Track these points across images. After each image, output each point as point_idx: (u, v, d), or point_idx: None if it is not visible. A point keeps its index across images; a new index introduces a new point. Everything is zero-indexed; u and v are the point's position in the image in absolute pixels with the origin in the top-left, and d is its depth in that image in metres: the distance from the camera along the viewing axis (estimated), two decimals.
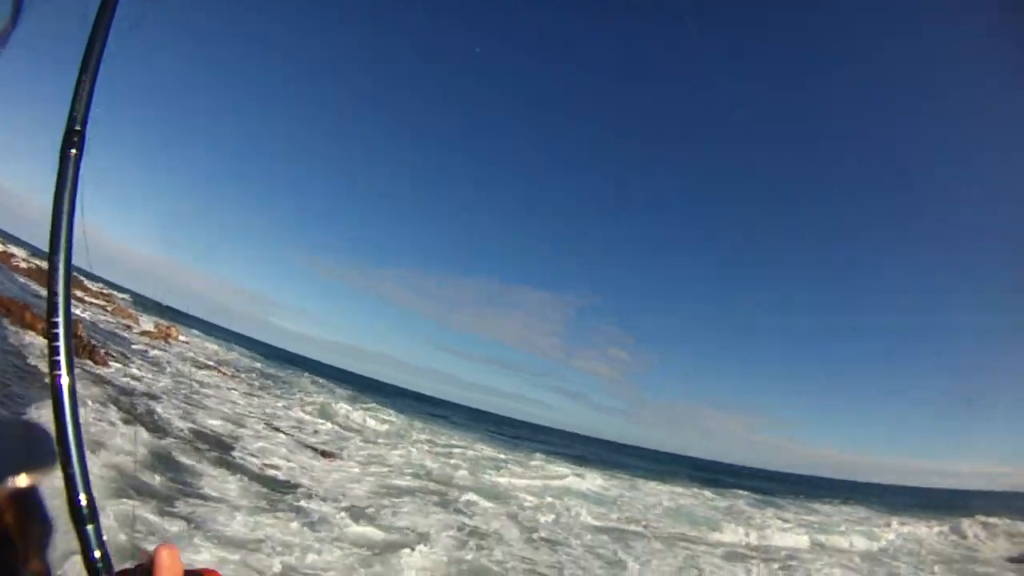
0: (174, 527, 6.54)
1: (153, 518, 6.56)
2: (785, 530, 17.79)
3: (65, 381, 0.69)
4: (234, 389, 19.05)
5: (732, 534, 16.22)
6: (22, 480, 0.42)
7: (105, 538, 0.61)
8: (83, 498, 0.65)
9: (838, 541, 17.62)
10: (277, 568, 6.42)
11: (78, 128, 0.78)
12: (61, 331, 0.69)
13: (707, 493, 24.90)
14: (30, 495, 0.45)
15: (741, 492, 27.95)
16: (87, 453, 0.71)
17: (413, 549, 8.10)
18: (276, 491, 9.48)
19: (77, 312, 21.22)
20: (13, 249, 34.49)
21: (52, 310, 0.70)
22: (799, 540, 16.93)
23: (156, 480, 8.02)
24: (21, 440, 0.46)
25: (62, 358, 0.68)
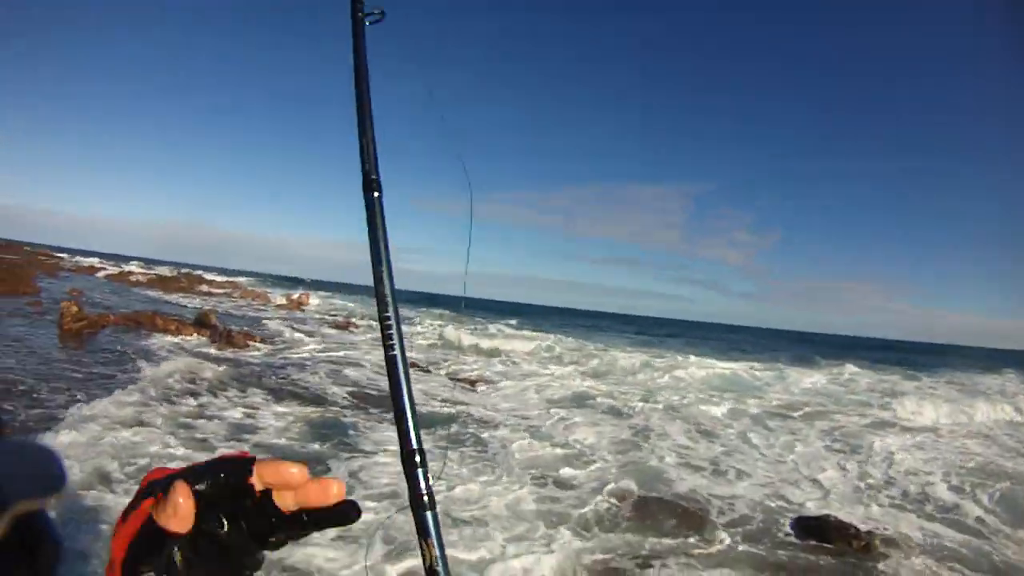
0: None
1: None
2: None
3: (396, 353, 0.89)
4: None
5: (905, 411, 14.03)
6: (29, 505, 0.44)
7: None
8: (414, 444, 0.82)
9: None
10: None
11: (374, 177, 1.05)
12: (393, 319, 0.90)
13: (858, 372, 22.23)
14: (36, 519, 0.47)
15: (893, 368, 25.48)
16: None
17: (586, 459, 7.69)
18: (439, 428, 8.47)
19: (209, 304, 21.93)
20: (130, 267, 36.53)
21: (383, 307, 0.95)
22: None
23: (321, 446, 7.18)
24: (26, 464, 0.46)
25: (395, 340, 0.89)
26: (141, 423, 6.72)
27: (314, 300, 34.30)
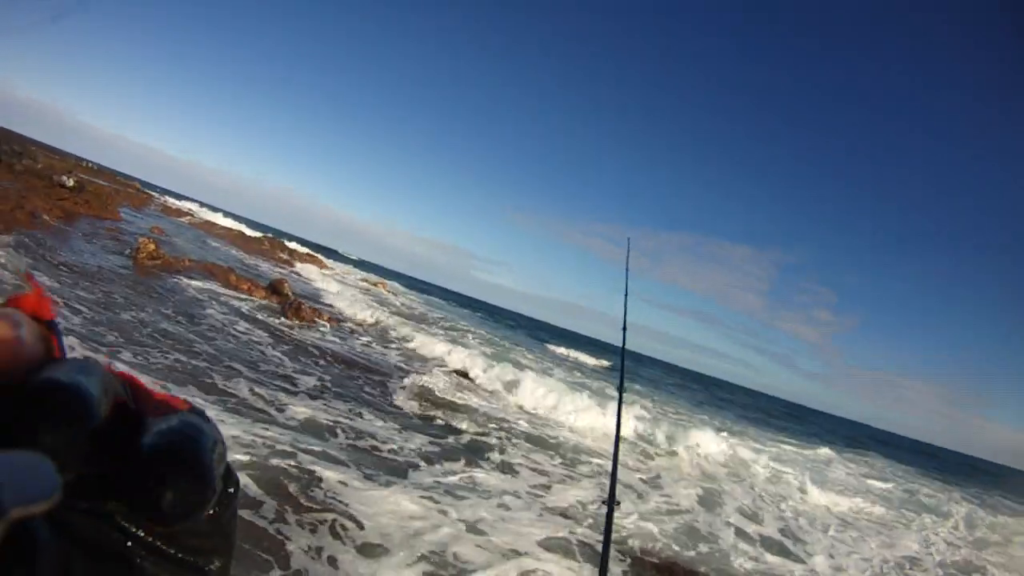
0: None
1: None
2: None
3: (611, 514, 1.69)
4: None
5: None
6: (23, 511, 0.41)
7: None
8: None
9: None
10: None
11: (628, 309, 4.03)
12: (616, 478, 1.92)
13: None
14: (31, 526, 0.44)
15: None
16: None
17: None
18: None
19: (287, 271, 21.20)
20: (217, 218, 36.89)
21: (615, 468, 1.80)
22: None
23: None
24: (19, 472, 0.42)
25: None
26: None
27: (391, 290, 33.39)
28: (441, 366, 11.90)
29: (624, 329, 3.94)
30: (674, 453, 10.72)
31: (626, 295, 4.31)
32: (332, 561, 3.57)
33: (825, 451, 18.86)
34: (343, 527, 3.98)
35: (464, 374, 11.82)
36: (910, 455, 36.29)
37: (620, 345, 3.86)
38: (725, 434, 13.16)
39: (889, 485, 15.26)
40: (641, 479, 8.20)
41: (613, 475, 2.43)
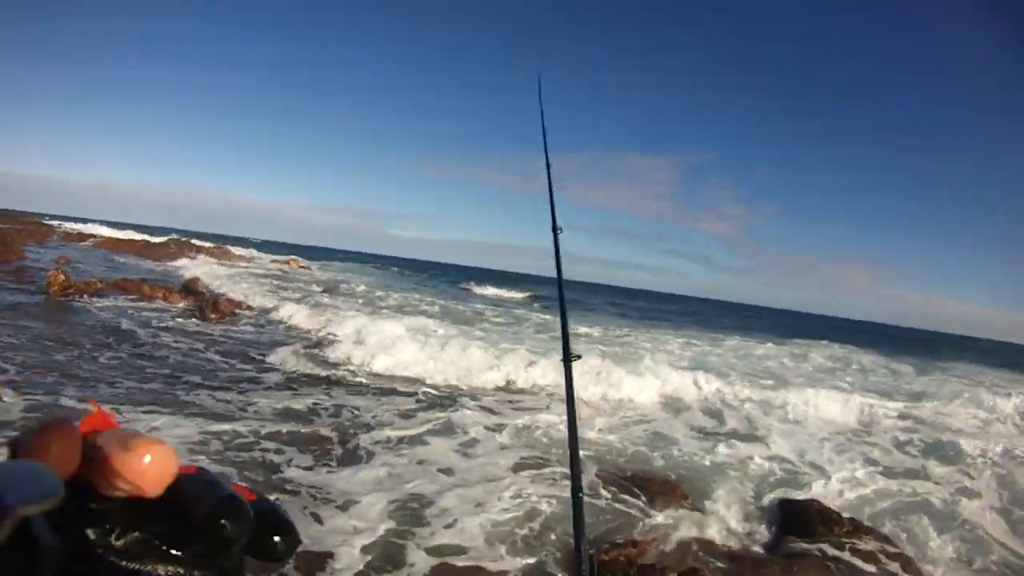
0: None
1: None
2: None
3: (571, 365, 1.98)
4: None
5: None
6: (27, 510, 0.48)
7: None
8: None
9: None
10: None
11: (560, 224, 2.61)
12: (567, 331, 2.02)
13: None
14: (34, 524, 0.51)
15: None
16: None
17: None
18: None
19: (200, 270, 22.01)
20: (119, 233, 36.46)
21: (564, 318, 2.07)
22: None
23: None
24: (22, 476, 0.51)
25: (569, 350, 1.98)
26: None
27: (304, 266, 34.42)
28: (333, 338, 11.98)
29: (557, 256, 2.82)
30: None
31: (551, 200, 3.06)
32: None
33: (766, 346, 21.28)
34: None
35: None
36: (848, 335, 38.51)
37: (551, 277, 2.82)
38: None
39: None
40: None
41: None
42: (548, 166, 3.22)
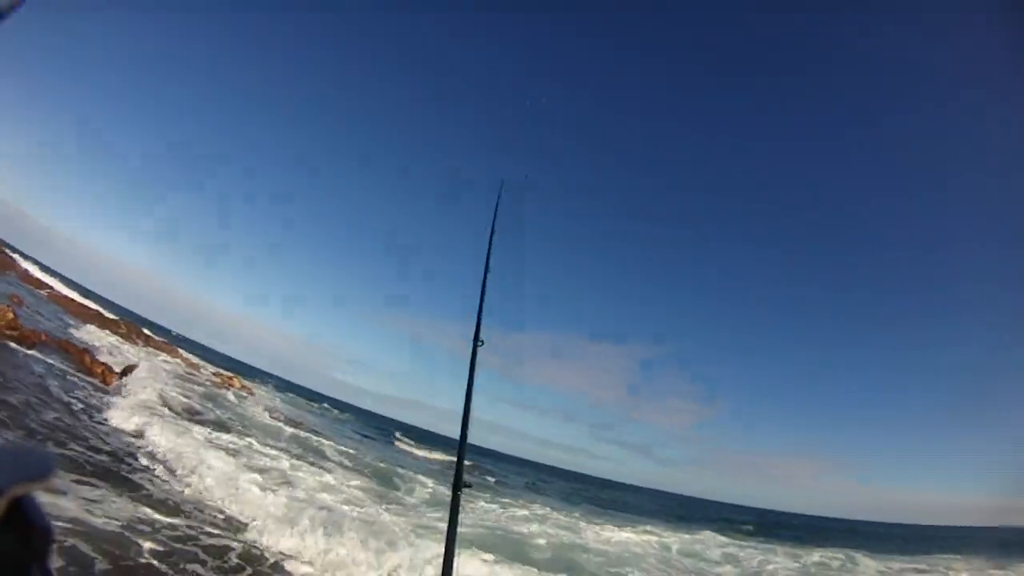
0: None
1: None
2: None
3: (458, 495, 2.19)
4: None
5: None
6: (22, 488, 0.50)
7: None
8: None
9: None
10: None
11: (482, 338, 2.67)
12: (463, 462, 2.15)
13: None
14: (28, 503, 0.52)
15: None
16: None
17: None
18: None
19: (149, 359, 21.07)
20: (73, 294, 35.16)
21: (462, 448, 2.21)
22: None
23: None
24: (18, 457, 0.54)
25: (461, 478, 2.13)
26: None
27: (247, 388, 32.95)
28: None
29: (472, 367, 2.82)
30: None
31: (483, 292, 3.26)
32: None
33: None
34: None
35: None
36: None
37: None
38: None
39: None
40: None
41: (460, 457, 2.47)
42: (486, 272, 3.22)
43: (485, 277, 3.21)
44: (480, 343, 2.80)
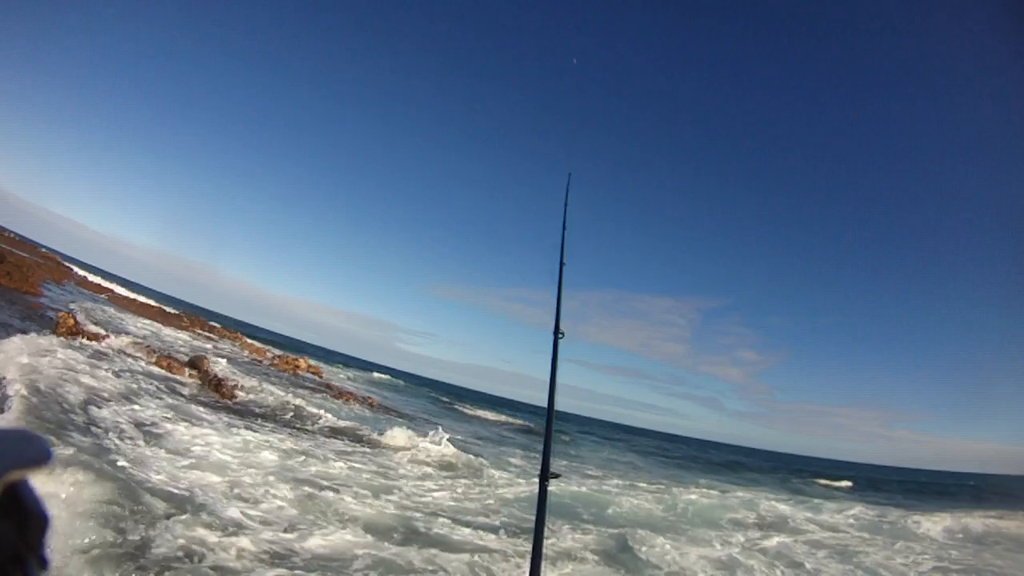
0: None
1: None
2: None
3: (546, 484, 1.81)
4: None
5: None
6: (18, 474, 0.48)
7: None
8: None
9: None
10: None
11: (562, 330, 2.49)
12: (549, 450, 1.78)
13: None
14: (24, 488, 0.51)
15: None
16: None
17: None
18: None
19: (207, 347, 21.18)
20: (136, 295, 36.06)
21: (548, 438, 1.83)
22: None
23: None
24: (17, 443, 0.51)
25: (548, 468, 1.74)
26: None
27: (313, 368, 33.29)
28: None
29: (554, 359, 2.76)
30: None
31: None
32: None
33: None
34: None
35: None
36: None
37: (543, 405, 2.73)
38: None
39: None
40: None
41: (546, 447, 2.32)
42: (561, 265, 3.22)
43: (561, 271, 3.19)
44: (560, 335, 2.72)
